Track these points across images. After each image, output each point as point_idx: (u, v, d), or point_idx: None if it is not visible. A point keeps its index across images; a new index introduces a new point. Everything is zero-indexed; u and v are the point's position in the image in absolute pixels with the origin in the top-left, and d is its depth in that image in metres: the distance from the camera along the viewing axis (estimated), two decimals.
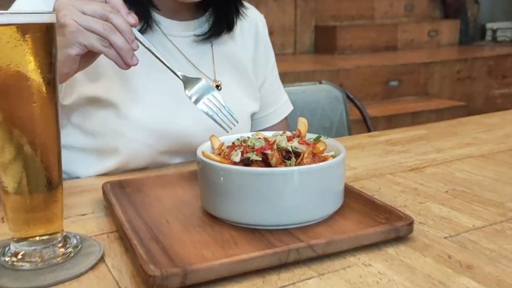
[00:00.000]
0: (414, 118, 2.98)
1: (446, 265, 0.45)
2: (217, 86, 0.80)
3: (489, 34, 4.85)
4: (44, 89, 0.44)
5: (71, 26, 0.55)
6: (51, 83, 0.45)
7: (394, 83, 3.31)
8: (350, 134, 1.55)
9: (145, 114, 0.73)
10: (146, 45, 0.61)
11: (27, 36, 0.42)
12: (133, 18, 0.59)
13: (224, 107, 0.62)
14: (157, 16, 0.77)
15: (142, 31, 0.73)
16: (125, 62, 0.58)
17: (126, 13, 0.58)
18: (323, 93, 1.59)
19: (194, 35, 0.81)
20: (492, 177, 0.69)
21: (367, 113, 1.63)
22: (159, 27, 0.77)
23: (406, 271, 0.45)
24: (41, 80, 0.43)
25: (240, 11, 0.83)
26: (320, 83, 1.64)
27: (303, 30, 4.04)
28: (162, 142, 0.75)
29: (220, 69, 0.83)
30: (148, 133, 0.73)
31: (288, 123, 1.02)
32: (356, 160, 0.79)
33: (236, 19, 0.82)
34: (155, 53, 0.62)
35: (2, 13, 0.40)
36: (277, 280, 0.44)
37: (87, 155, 0.75)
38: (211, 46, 0.83)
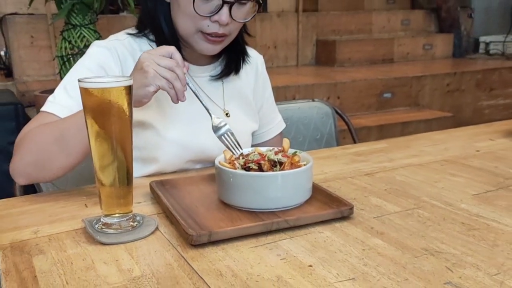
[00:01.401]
0: (404, 128, 3.26)
1: (368, 232, 0.74)
2: (226, 114, 1.10)
3: (482, 47, 5.13)
4: (128, 117, 0.74)
5: (151, 73, 0.85)
6: (130, 113, 0.74)
7: (387, 95, 3.59)
8: (338, 143, 1.83)
9: (177, 134, 1.03)
10: (193, 89, 0.91)
11: (124, 90, 0.72)
12: (186, 67, 0.89)
13: (235, 141, 0.91)
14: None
15: None
16: (178, 98, 0.88)
17: (182, 64, 0.89)
18: (315, 109, 1.87)
19: (210, 76, 1.11)
20: (420, 180, 0.98)
21: (352, 126, 1.91)
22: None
23: (343, 235, 0.74)
24: (128, 112, 0.73)
25: (246, 59, 1.13)
26: (313, 100, 1.92)
27: (305, 44, 4.33)
28: (188, 153, 1.05)
29: (229, 100, 1.13)
30: (178, 147, 1.03)
31: (282, 137, 1.31)
32: (328, 167, 1.08)
33: (242, 64, 1.12)
34: (198, 96, 0.92)
35: (116, 81, 0.71)
36: (265, 240, 0.73)
37: (133, 163, 1.04)
38: (222, 83, 1.12)
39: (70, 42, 2.62)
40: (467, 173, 1.01)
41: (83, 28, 2.62)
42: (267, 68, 1.26)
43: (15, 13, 3.32)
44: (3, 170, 2.51)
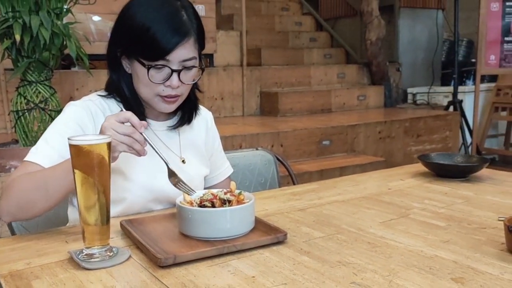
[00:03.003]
0: (342, 172, 3.56)
1: (298, 251, 0.96)
2: (183, 161, 1.31)
3: (410, 97, 5.65)
4: (108, 167, 0.93)
5: (113, 143, 1.02)
6: (109, 163, 0.94)
7: (326, 143, 3.91)
8: (279, 186, 2.05)
9: (141, 178, 1.23)
10: (152, 145, 1.10)
11: (105, 145, 0.92)
12: (144, 125, 1.07)
13: (188, 186, 1.09)
14: (147, 119, 1.27)
15: None
16: (139, 155, 1.07)
17: (140, 125, 1.06)
18: (259, 157, 2.09)
19: (167, 127, 1.32)
20: (342, 212, 1.21)
21: (292, 171, 2.14)
22: (149, 126, 1.27)
23: (279, 255, 0.95)
24: (107, 162, 0.93)
25: (197, 112, 1.36)
26: (257, 149, 2.14)
27: (250, 95, 4.65)
28: (150, 194, 1.24)
29: (184, 149, 1.34)
30: (142, 189, 1.23)
31: (230, 180, 1.52)
32: (269, 205, 1.30)
33: (194, 116, 1.35)
34: (157, 151, 1.10)
35: (99, 138, 0.91)
36: (218, 261, 0.93)
37: None
38: (179, 135, 1.34)
39: (25, 98, 2.73)
40: (378, 206, 1.26)
41: (38, 85, 2.74)
42: (215, 118, 1.50)
43: None
44: None
